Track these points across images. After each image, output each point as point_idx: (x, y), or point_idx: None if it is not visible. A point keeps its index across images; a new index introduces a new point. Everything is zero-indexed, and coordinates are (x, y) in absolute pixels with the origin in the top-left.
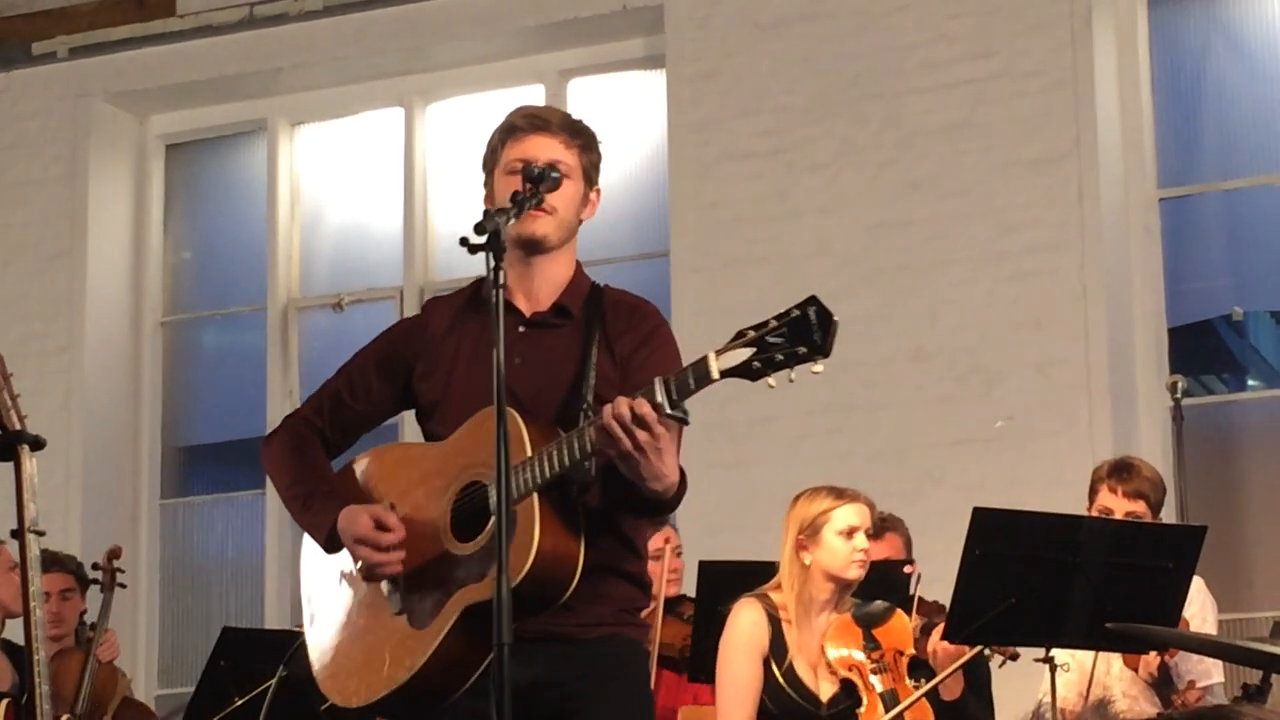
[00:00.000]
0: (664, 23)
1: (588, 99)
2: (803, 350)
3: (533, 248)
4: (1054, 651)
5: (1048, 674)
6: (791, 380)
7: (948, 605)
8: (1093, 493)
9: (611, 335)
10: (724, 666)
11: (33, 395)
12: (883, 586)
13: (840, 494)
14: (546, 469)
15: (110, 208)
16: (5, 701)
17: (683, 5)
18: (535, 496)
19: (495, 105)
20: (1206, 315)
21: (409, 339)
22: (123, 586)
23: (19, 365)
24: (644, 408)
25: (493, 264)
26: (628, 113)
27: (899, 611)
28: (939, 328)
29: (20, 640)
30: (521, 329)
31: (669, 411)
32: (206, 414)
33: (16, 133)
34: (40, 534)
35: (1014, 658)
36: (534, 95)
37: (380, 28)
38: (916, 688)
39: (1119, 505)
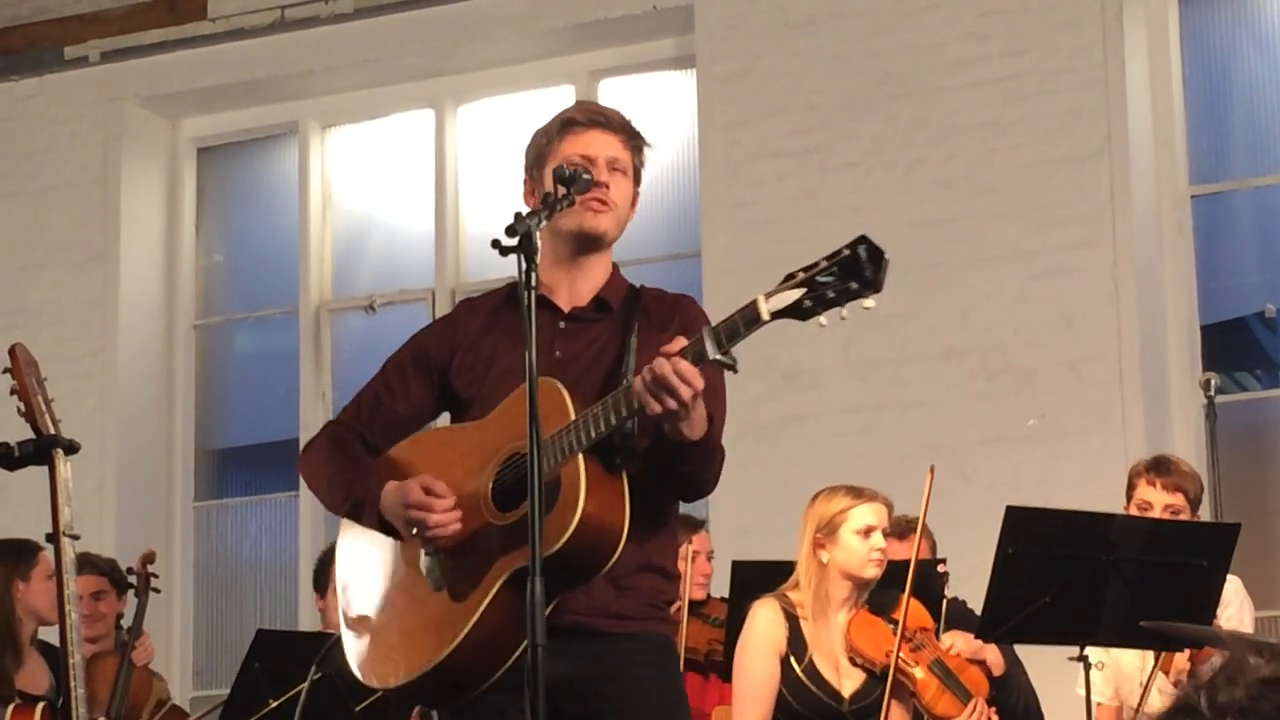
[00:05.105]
0: (694, 23)
1: (618, 100)
2: (854, 286)
3: (591, 244)
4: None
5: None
6: (843, 318)
7: (981, 604)
8: (1130, 488)
9: (656, 326)
10: (741, 665)
11: (66, 399)
12: (917, 587)
13: (859, 493)
14: (592, 429)
15: (143, 211)
16: (41, 705)
17: (713, 5)
18: (581, 459)
19: (526, 106)
20: (1239, 312)
21: (442, 336)
22: (156, 591)
23: (52, 369)
24: (682, 365)
25: (524, 266)
26: (658, 113)
27: (902, 595)
28: (971, 326)
29: (56, 642)
30: (561, 324)
31: (718, 358)
32: (239, 416)
33: (49, 137)
34: (75, 538)
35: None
36: (564, 96)
37: (411, 30)
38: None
39: (1158, 499)
